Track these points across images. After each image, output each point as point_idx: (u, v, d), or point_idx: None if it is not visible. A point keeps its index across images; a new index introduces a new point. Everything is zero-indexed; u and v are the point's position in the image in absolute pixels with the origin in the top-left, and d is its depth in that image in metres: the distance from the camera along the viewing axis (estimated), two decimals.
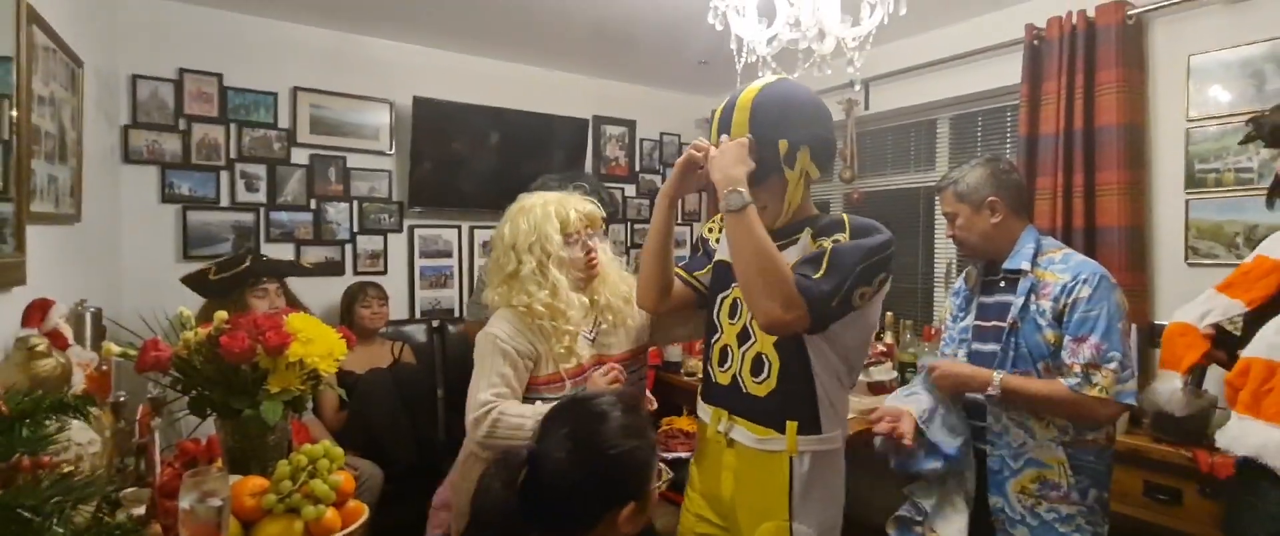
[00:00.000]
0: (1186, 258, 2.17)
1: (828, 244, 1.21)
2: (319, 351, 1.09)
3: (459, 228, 3.35)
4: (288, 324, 1.09)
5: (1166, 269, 2.22)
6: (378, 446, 2.39)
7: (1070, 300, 1.50)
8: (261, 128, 2.82)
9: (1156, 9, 2.20)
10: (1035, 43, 2.44)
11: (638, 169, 3.85)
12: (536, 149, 3.37)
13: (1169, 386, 1.41)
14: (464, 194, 3.25)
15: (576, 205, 1.52)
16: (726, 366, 1.35)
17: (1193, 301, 1.52)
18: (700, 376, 1.50)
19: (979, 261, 1.73)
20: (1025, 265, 1.59)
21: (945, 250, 2.98)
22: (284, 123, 2.88)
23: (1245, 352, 1.32)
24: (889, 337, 2.78)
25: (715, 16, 1.76)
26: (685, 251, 3.77)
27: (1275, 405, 1.20)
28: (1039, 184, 2.40)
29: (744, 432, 1.31)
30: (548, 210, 1.48)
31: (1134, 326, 2.18)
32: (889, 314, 2.81)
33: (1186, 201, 2.18)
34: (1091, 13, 2.29)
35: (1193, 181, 2.17)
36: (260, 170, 2.83)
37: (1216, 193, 2.12)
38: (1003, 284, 1.66)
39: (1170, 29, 2.21)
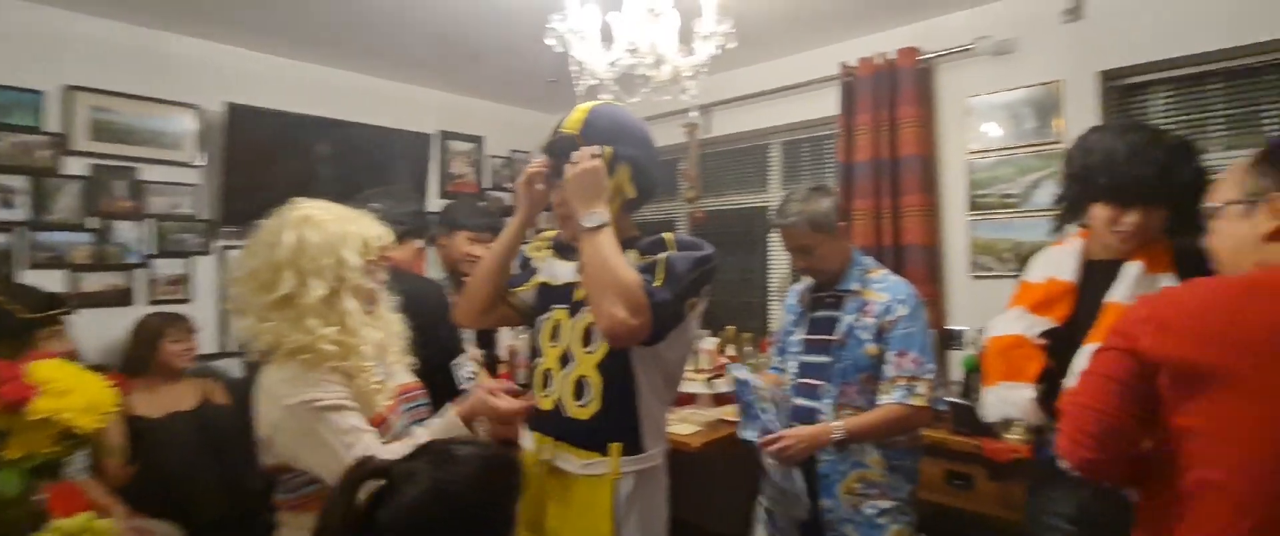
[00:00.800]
0: (971, 271, 2.51)
1: (661, 257, 1.24)
2: (75, 405, 0.91)
3: None
4: (31, 373, 0.90)
5: (956, 281, 2.55)
6: (177, 501, 2.08)
7: (891, 319, 1.68)
8: (21, 132, 2.38)
9: (940, 56, 2.54)
10: (848, 80, 2.71)
11: (486, 187, 3.75)
12: (375, 164, 3.17)
13: (1021, 396, 1.42)
14: None
15: (373, 227, 1.28)
16: (549, 391, 1.33)
17: (1004, 317, 1.54)
18: None
19: (809, 279, 1.87)
20: (856, 285, 1.75)
21: (781, 264, 3.21)
22: (54, 126, 2.45)
23: (1066, 383, 1.37)
24: (732, 350, 2.92)
25: (554, 39, 1.76)
26: None
27: None
28: (857, 205, 2.65)
29: (568, 459, 1.30)
30: (345, 228, 1.23)
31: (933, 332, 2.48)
32: (731, 327, 2.96)
33: (969, 222, 2.52)
34: (893, 56, 2.59)
35: (974, 205, 2.51)
36: (19, 182, 2.38)
37: (991, 215, 2.48)
38: (830, 300, 1.80)
39: (951, 74, 2.56)
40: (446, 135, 3.56)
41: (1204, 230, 1.08)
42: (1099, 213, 1.34)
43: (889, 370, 1.67)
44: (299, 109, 2.94)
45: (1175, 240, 1.33)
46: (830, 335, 1.75)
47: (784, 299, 1.99)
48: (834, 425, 1.66)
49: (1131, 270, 1.34)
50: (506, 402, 1.22)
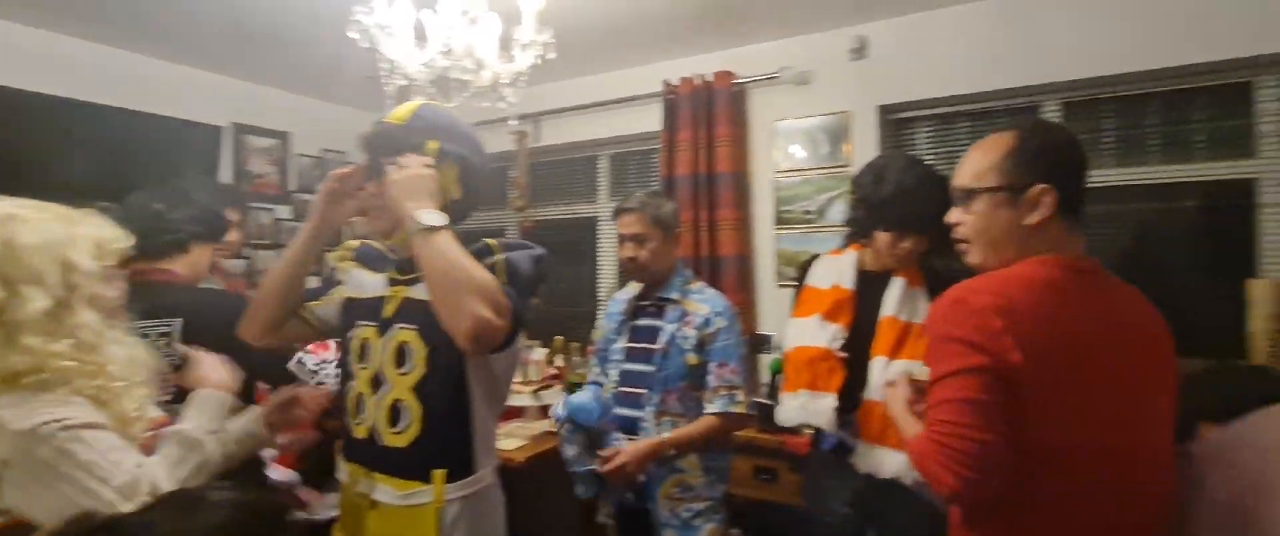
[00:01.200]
0: (777, 280, 2.73)
1: (499, 257, 1.18)
2: None
3: None
4: None
5: (764, 289, 2.76)
6: None
7: (711, 331, 1.76)
8: None
9: (751, 82, 2.75)
10: (671, 97, 2.83)
11: (292, 188, 3.40)
12: (151, 157, 2.74)
13: (824, 405, 1.56)
14: None
15: (106, 229, 1.10)
16: (361, 418, 1.22)
17: (804, 326, 1.67)
18: None
19: (635, 287, 1.91)
20: (676, 295, 1.81)
21: (609, 275, 3.26)
22: None
23: (867, 395, 1.55)
24: (561, 360, 2.91)
25: (359, 33, 1.64)
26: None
27: (896, 436, 1.38)
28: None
29: (386, 490, 1.19)
30: (72, 230, 1.04)
31: (745, 336, 2.66)
32: (559, 337, 2.95)
33: (775, 235, 2.75)
34: (710, 77, 2.75)
35: (779, 220, 2.74)
36: None
37: (793, 229, 2.72)
38: (651, 309, 1.86)
39: (761, 98, 2.78)
40: (242, 129, 3.18)
41: (950, 254, 1.21)
42: (883, 236, 1.53)
43: (712, 380, 1.76)
44: (50, 89, 2.45)
45: (923, 260, 1.55)
46: (652, 344, 1.81)
47: (607, 308, 2.02)
48: (665, 438, 1.72)
49: (898, 284, 1.55)
50: (309, 392, 1.11)
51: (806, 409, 1.57)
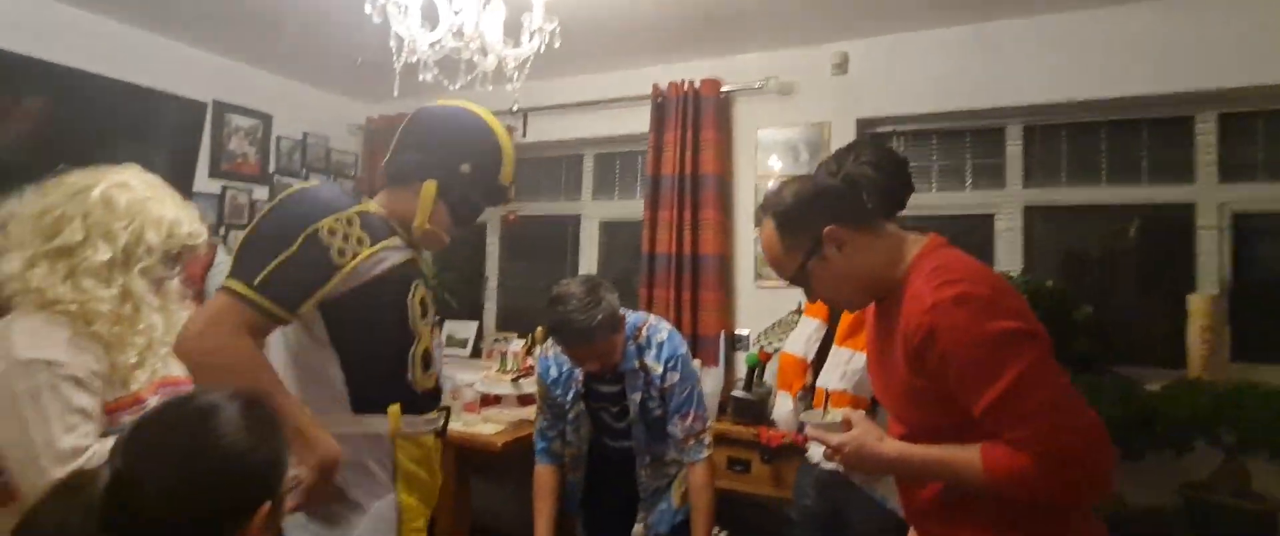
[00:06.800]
0: (756, 279, 2.83)
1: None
2: None
3: None
4: None
5: (743, 288, 2.85)
6: None
7: (667, 386, 1.77)
8: None
9: (737, 90, 2.86)
10: (659, 100, 2.92)
11: (272, 169, 3.36)
12: (122, 128, 2.68)
13: (785, 407, 1.81)
14: None
15: (189, 226, 1.22)
16: (430, 370, 1.31)
17: (796, 331, 1.85)
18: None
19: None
20: (634, 363, 1.77)
21: (588, 270, 3.31)
22: None
23: (819, 382, 1.72)
24: (539, 351, 2.93)
25: (373, 8, 1.68)
26: None
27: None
28: (661, 216, 2.86)
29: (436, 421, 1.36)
30: (163, 210, 1.18)
31: (722, 334, 2.74)
32: (540, 328, 2.98)
33: (756, 237, 2.85)
34: (698, 84, 2.85)
35: (759, 222, 2.84)
36: None
37: None
38: (608, 377, 1.80)
39: (746, 107, 2.90)
40: (224, 107, 3.14)
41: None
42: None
43: (677, 432, 1.77)
44: (36, 52, 2.40)
45: None
46: (618, 417, 1.83)
47: (544, 366, 1.92)
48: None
49: None
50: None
51: (779, 411, 1.79)
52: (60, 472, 0.96)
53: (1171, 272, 2.37)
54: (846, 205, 1.05)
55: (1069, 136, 2.53)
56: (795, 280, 1.10)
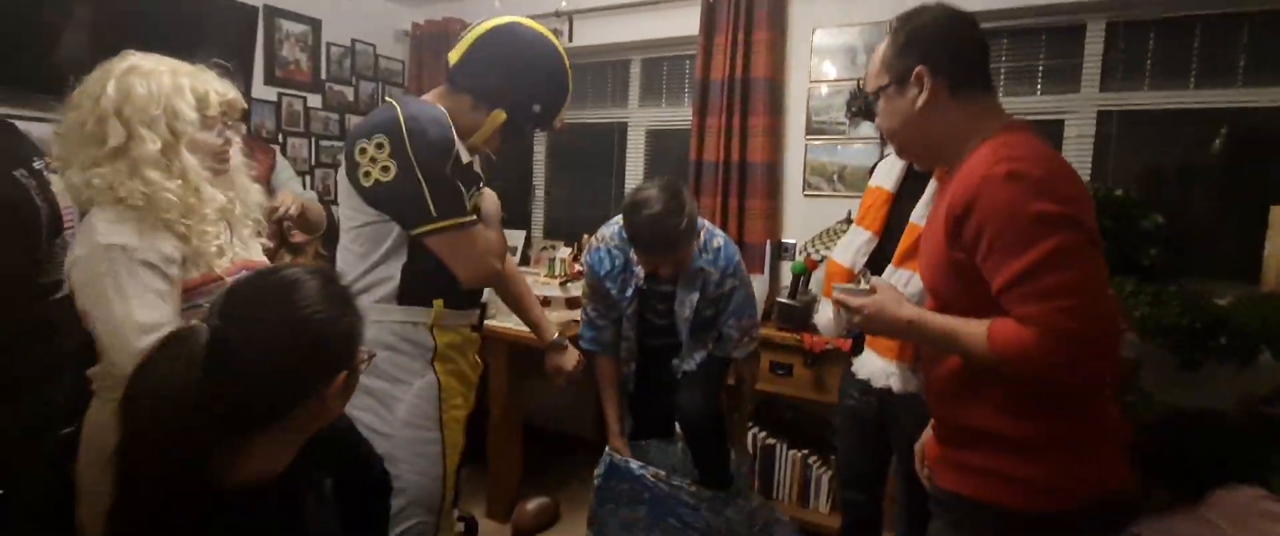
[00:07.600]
0: (804, 189, 2.78)
1: None
2: None
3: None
4: None
5: (791, 197, 2.80)
6: None
7: (724, 291, 1.85)
8: None
9: None
10: (709, 0, 2.79)
11: (324, 77, 3.40)
12: (176, 36, 2.71)
13: (829, 314, 1.66)
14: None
15: (215, 84, 1.23)
16: None
17: (845, 239, 1.74)
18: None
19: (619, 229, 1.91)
20: (697, 266, 1.85)
21: (634, 178, 3.30)
22: None
23: None
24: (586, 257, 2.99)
25: None
26: None
27: (884, 343, 1.53)
28: (708, 123, 2.79)
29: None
30: (179, 81, 1.18)
31: (768, 242, 2.73)
32: (586, 235, 3.02)
33: (806, 145, 2.77)
34: None
35: (811, 129, 2.76)
36: None
37: (823, 139, 2.74)
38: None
39: (802, 5, 2.74)
40: (275, 12, 3.15)
41: None
42: None
43: (733, 333, 1.91)
44: None
45: None
46: (662, 315, 1.93)
47: (597, 257, 1.97)
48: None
49: (931, 187, 1.50)
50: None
51: (820, 318, 1.70)
52: (142, 344, 1.04)
53: (1259, 183, 2.21)
54: (958, 65, 1.04)
55: (1157, 34, 2.33)
56: (870, 101, 1.11)
